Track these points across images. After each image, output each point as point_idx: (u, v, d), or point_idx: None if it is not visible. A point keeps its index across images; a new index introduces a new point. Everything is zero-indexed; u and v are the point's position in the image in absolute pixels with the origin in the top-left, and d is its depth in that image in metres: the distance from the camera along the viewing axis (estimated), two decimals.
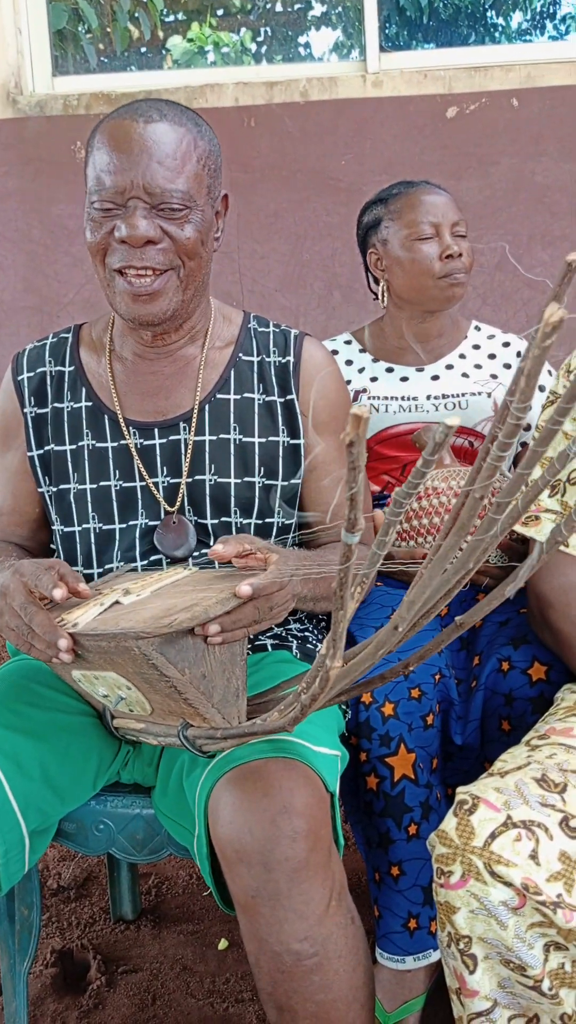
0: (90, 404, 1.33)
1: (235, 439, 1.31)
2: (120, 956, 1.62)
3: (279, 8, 4.85)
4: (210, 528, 1.30)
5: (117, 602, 1.07)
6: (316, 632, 1.42)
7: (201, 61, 4.87)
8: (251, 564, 1.06)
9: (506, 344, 1.88)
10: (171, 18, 4.68)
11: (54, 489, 1.33)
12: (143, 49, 4.32)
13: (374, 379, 1.85)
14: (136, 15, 4.22)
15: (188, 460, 1.30)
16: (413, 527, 1.58)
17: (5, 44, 2.60)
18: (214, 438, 1.31)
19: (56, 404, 1.34)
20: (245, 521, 1.31)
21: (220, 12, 4.84)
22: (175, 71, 2.71)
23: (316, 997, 1.00)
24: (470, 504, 0.68)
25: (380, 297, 1.86)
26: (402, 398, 1.82)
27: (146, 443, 1.31)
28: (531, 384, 0.63)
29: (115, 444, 1.31)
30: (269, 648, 1.34)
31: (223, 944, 1.64)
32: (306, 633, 1.39)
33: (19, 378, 1.37)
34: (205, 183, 1.24)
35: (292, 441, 1.34)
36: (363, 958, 1.07)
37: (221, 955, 1.62)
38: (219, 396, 1.33)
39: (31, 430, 1.35)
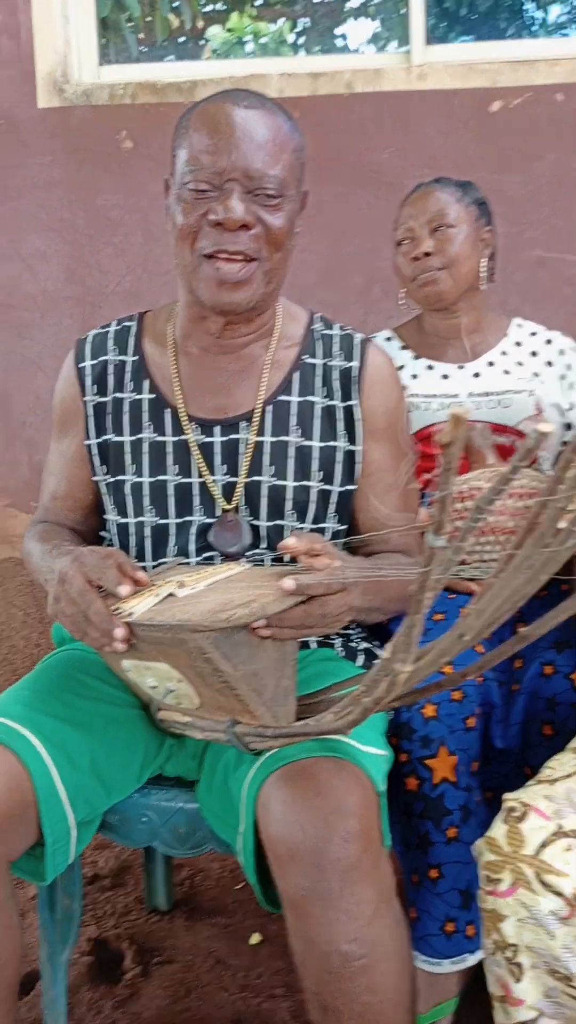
0: (152, 396, 1.33)
1: (295, 441, 1.30)
2: (154, 947, 1.63)
3: None
4: (263, 530, 1.29)
5: (171, 594, 1.07)
6: (359, 630, 1.41)
7: (239, 51, 4.85)
8: (316, 566, 1.05)
9: (549, 341, 1.86)
10: (210, 8, 4.66)
11: (111, 479, 1.33)
12: (182, 39, 4.31)
13: (415, 376, 1.84)
14: (176, 4, 4.21)
15: (247, 460, 1.29)
16: (456, 528, 1.57)
17: (53, 33, 2.59)
18: (274, 439, 1.30)
19: (117, 394, 1.34)
20: (299, 525, 1.30)
21: (259, 2, 4.82)
22: (220, 61, 2.70)
23: (362, 999, 1.00)
24: (551, 514, 0.67)
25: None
26: (443, 396, 1.81)
27: (206, 440, 1.30)
28: None
29: (175, 439, 1.31)
30: (312, 646, 1.34)
31: (255, 939, 1.65)
32: (349, 631, 1.39)
33: (81, 365, 1.36)
34: (296, 175, 1.24)
35: (350, 447, 1.33)
36: (408, 961, 1.07)
37: (254, 950, 1.62)
38: (282, 398, 1.32)
39: (91, 418, 1.34)
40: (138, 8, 3.60)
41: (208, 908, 1.73)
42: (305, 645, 1.33)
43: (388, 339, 1.92)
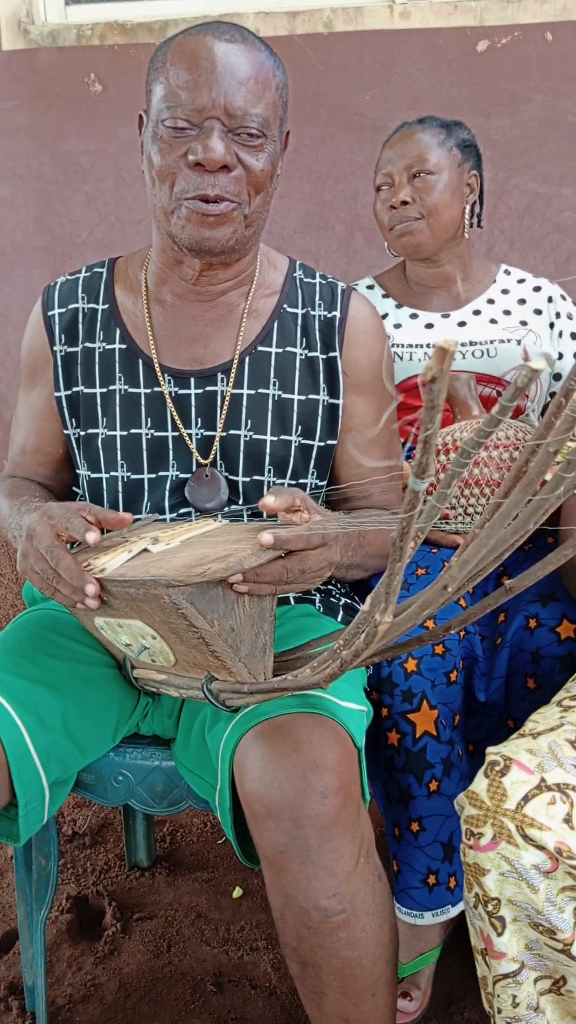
0: (124, 347, 1.28)
1: (274, 394, 1.26)
2: (135, 903, 1.62)
3: None
4: (240, 485, 1.26)
5: (146, 549, 1.04)
6: (339, 586, 1.39)
7: None
8: (295, 521, 1.01)
9: (537, 288, 1.81)
10: None
11: (81, 433, 1.29)
12: None
13: (398, 326, 1.79)
14: None
15: (224, 413, 1.25)
16: (441, 479, 1.54)
17: None
18: (252, 392, 1.26)
19: (88, 344, 1.29)
20: (278, 480, 1.26)
21: None
22: (192, 1, 2.59)
23: (342, 953, 0.99)
24: (540, 458, 0.63)
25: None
26: (427, 345, 1.76)
27: (181, 392, 1.26)
28: None
29: (148, 391, 1.26)
30: (292, 602, 1.31)
31: (237, 892, 1.64)
32: (329, 586, 1.36)
33: (49, 313, 1.31)
34: (279, 114, 1.18)
35: (331, 400, 1.28)
36: (389, 915, 1.05)
37: (235, 903, 1.62)
38: (260, 348, 1.27)
39: (60, 369, 1.29)
40: None
41: (189, 863, 1.73)
42: (285, 601, 1.30)
43: (370, 287, 1.87)
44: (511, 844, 0.93)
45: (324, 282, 1.32)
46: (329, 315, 1.29)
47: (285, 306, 1.29)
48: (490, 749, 1.01)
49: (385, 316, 1.81)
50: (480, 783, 0.98)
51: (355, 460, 1.30)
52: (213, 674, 1.03)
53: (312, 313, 1.29)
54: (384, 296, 1.84)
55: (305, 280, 1.32)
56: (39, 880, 1.26)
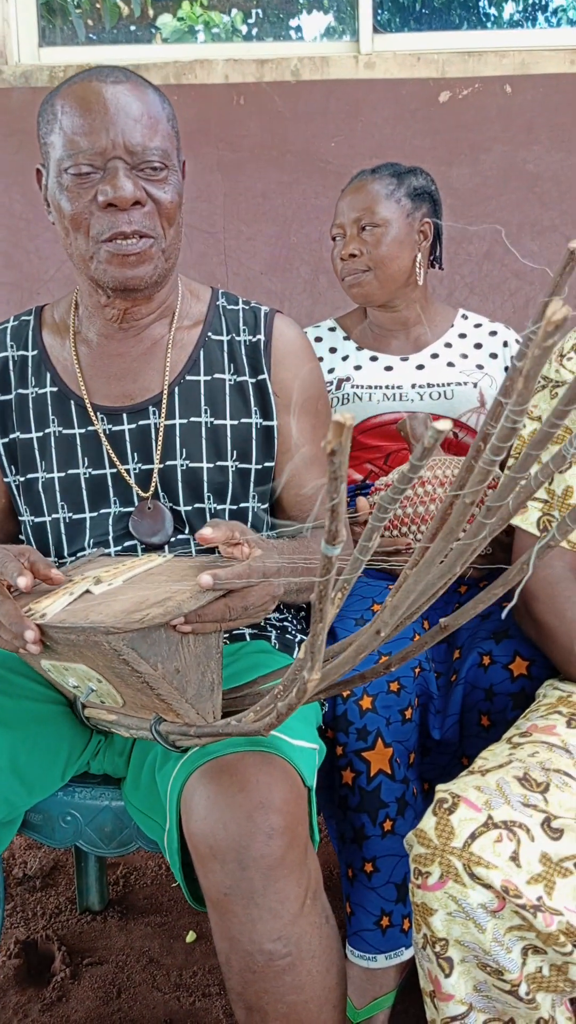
0: (55, 389, 1.28)
1: (206, 422, 1.27)
2: (86, 948, 1.59)
3: None
4: (184, 515, 1.26)
5: (88, 591, 1.03)
6: (295, 622, 1.38)
7: (191, 40, 4.79)
8: (236, 555, 1.01)
9: (493, 333, 1.85)
10: None
11: (21, 479, 1.29)
12: (132, 27, 4.24)
13: (358, 367, 1.82)
14: None
15: (160, 445, 1.25)
16: (397, 516, 1.55)
17: None
18: (184, 421, 1.27)
19: (20, 390, 1.29)
20: (219, 507, 1.27)
21: None
22: (164, 46, 2.65)
23: (288, 998, 0.97)
24: (459, 508, 0.64)
25: None
26: (386, 387, 1.79)
27: (115, 429, 1.26)
28: (529, 386, 0.59)
29: (83, 430, 1.27)
30: (247, 638, 1.30)
31: (191, 937, 1.61)
32: (285, 623, 1.36)
33: None
34: (175, 144, 1.21)
35: (265, 423, 1.30)
36: (336, 958, 1.04)
37: (189, 948, 1.59)
38: (188, 378, 1.28)
39: None
40: None
41: (142, 907, 1.69)
42: (240, 637, 1.30)
43: (331, 329, 1.90)
44: (458, 883, 0.93)
45: (247, 307, 1.34)
46: (254, 339, 1.31)
47: (209, 334, 1.31)
48: (439, 787, 1.01)
49: (346, 358, 1.83)
50: (428, 821, 0.97)
51: (296, 480, 1.31)
52: (161, 715, 1.02)
53: (237, 339, 1.31)
54: (345, 338, 1.87)
55: (228, 307, 1.34)
56: None
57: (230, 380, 1.29)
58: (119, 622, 0.91)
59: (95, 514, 1.26)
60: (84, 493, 1.26)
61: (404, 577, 0.74)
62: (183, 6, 4.63)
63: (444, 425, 0.56)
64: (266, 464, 1.30)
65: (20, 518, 1.32)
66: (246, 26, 4.86)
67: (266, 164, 2.50)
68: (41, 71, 2.53)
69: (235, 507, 1.28)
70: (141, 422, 1.26)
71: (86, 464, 1.26)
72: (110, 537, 1.25)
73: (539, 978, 0.96)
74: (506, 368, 1.82)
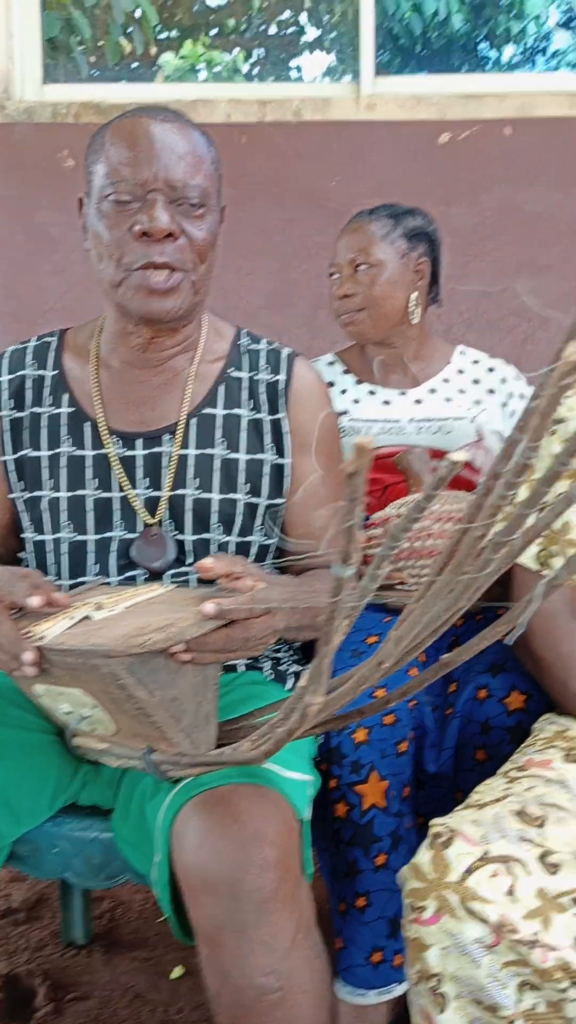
0: (72, 410, 1.29)
1: (220, 454, 1.28)
2: (70, 982, 1.56)
3: (273, 30, 4.89)
4: (188, 544, 1.26)
5: (87, 617, 1.03)
6: (290, 653, 1.38)
7: (193, 79, 4.88)
8: (238, 588, 1.01)
9: (491, 369, 1.87)
10: (165, 35, 4.69)
11: (27, 495, 1.29)
12: (135, 64, 4.33)
13: (357, 401, 1.83)
14: (129, 30, 4.22)
15: (171, 473, 1.26)
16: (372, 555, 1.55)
17: None
18: (199, 452, 1.28)
19: (35, 408, 1.30)
20: (225, 538, 1.27)
21: (214, 32, 4.86)
22: (167, 85, 2.70)
23: None
24: (468, 542, 0.65)
25: None
26: (384, 421, 1.80)
27: (128, 453, 1.27)
28: (544, 423, 0.61)
29: (95, 452, 1.27)
30: (241, 668, 1.30)
31: (177, 972, 1.58)
32: (279, 654, 1.35)
33: None
34: (215, 187, 1.24)
35: (278, 460, 1.31)
36: (327, 993, 1.02)
37: (174, 984, 1.56)
38: (206, 411, 1.30)
39: (7, 433, 1.30)
40: (88, 30, 3.61)
41: (128, 941, 1.66)
42: (232, 668, 1.29)
43: (331, 363, 1.92)
44: (453, 918, 0.92)
45: (269, 348, 1.36)
46: (274, 378, 1.33)
47: (231, 371, 1.32)
48: (434, 821, 1.00)
49: (344, 392, 1.85)
50: (423, 855, 0.97)
51: (304, 520, 1.32)
52: (154, 745, 1.01)
53: (257, 377, 1.33)
54: (345, 372, 1.89)
55: (251, 347, 1.36)
56: None
57: (247, 416, 1.31)
58: (119, 646, 0.91)
59: (98, 537, 1.25)
60: (89, 515, 1.26)
61: (409, 610, 0.74)
62: (185, 45, 4.73)
63: (461, 456, 0.57)
64: (276, 500, 1.31)
65: (22, 535, 1.32)
66: (248, 65, 4.97)
67: (267, 202, 2.53)
68: (44, 107, 2.57)
69: (241, 539, 1.29)
70: (155, 449, 1.27)
71: (95, 486, 1.26)
72: (112, 565, 1.25)
73: (534, 1015, 0.94)
74: (503, 404, 1.84)
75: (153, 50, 4.52)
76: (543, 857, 0.95)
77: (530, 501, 0.64)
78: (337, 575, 0.62)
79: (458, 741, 1.37)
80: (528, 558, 1.27)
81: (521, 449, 0.62)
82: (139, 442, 1.27)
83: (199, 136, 1.23)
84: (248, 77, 4.99)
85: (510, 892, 0.91)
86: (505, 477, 0.65)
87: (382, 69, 2.71)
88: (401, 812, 1.32)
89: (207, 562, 1.00)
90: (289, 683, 1.30)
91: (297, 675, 1.34)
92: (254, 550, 1.30)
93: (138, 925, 1.71)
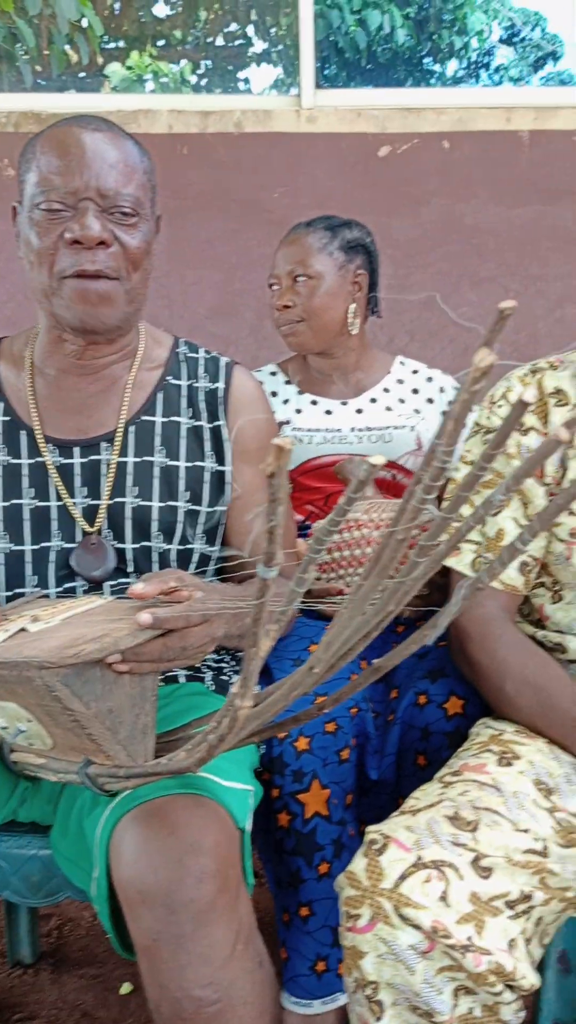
0: (7, 419, 1.28)
1: (160, 462, 1.28)
2: (16, 1003, 1.53)
3: (220, 42, 4.90)
4: (129, 553, 1.26)
5: (23, 629, 1.02)
6: (232, 663, 1.38)
7: (140, 89, 4.87)
8: (175, 599, 1.01)
9: (429, 379, 1.90)
10: (111, 45, 4.68)
11: None
12: (82, 74, 4.30)
13: (299, 411, 1.85)
14: (75, 39, 4.20)
15: (110, 481, 1.26)
16: (335, 559, 1.56)
17: None
18: (138, 460, 1.27)
19: None
20: (166, 546, 1.27)
21: (161, 43, 4.86)
22: (108, 95, 2.70)
23: None
24: (392, 546, 0.66)
25: None
26: (326, 430, 1.82)
27: (65, 461, 1.26)
28: (458, 428, 0.62)
29: (31, 461, 1.26)
30: (182, 679, 1.30)
31: (126, 988, 1.57)
32: (221, 664, 1.35)
33: None
34: (149, 196, 1.24)
35: (218, 468, 1.31)
36: (270, 1004, 1.02)
37: (124, 1000, 1.55)
38: (145, 418, 1.29)
39: None
40: (33, 39, 3.58)
41: (76, 959, 1.65)
42: (174, 679, 1.29)
43: (273, 373, 1.93)
44: (388, 925, 0.93)
45: (208, 356, 1.37)
46: (213, 386, 1.33)
47: (169, 378, 1.33)
48: (370, 828, 1.01)
49: (287, 401, 1.86)
50: (358, 863, 0.97)
51: (245, 527, 1.32)
52: (91, 758, 1.01)
53: (196, 385, 1.33)
54: (287, 382, 1.90)
55: (189, 355, 1.36)
56: None
57: (187, 424, 1.31)
58: (53, 657, 0.90)
59: (36, 547, 1.24)
60: (26, 524, 1.24)
61: (339, 615, 0.75)
62: (132, 55, 4.72)
63: (378, 460, 0.58)
64: (217, 508, 1.31)
65: None
66: (195, 76, 4.97)
67: (211, 212, 2.54)
68: None
69: (182, 547, 1.28)
70: (92, 457, 1.27)
71: (32, 495, 1.25)
72: (51, 575, 1.24)
73: (470, 1019, 0.95)
74: (442, 413, 1.86)
75: (100, 60, 4.50)
76: (476, 861, 0.96)
77: (452, 506, 0.65)
78: (261, 576, 0.63)
79: (399, 747, 1.38)
80: (464, 565, 1.29)
81: (437, 453, 0.64)
82: (76, 450, 1.27)
83: (131, 146, 1.23)
84: (196, 89, 4.99)
85: (443, 898, 0.92)
86: (425, 480, 0.66)
87: (325, 82, 2.74)
88: (344, 820, 1.33)
89: (137, 588, 0.99)
90: (230, 691, 1.30)
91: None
92: (195, 558, 1.30)
93: (87, 942, 1.70)
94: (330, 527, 0.64)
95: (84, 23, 4.14)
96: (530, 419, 1.25)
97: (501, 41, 5.20)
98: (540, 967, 1.16)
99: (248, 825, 1.09)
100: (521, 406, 0.59)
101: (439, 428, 0.62)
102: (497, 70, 5.26)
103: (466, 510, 0.82)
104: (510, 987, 0.94)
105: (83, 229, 1.16)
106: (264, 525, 0.60)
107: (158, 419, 1.30)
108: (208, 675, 1.31)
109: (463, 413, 0.62)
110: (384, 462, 0.59)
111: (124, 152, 1.20)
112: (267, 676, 1.40)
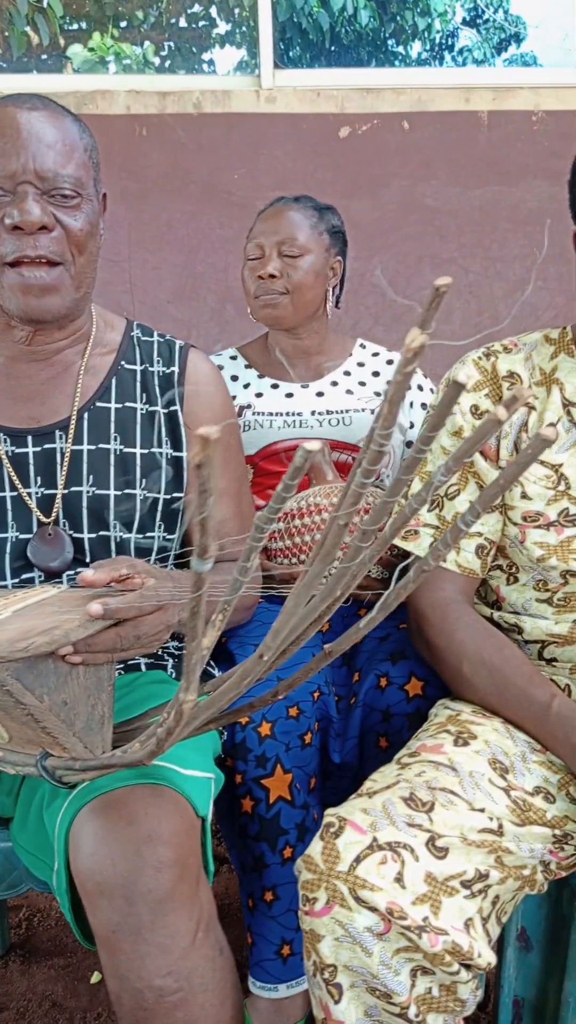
0: None
1: (115, 449, 1.26)
2: None
3: (183, 24, 4.84)
4: (86, 543, 1.24)
5: None
6: None
7: (103, 71, 4.80)
8: (127, 587, 1.00)
9: (390, 362, 1.89)
10: (74, 26, 4.61)
11: None
12: (44, 56, 4.23)
13: (259, 395, 1.83)
14: (35, 20, 4.13)
15: (65, 470, 1.24)
16: (296, 544, 1.56)
17: None
18: (93, 447, 1.25)
19: None
20: (125, 536, 1.25)
21: (123, 24, 4.79)
22: (66, 76, 2.66)
23: None
24: (334, 531, 0.65)
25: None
26: (287, 414, 1.81)
27: (18, 451, 1.24)
28: (393, 410, 0.61)
29: None
30: (143, 668, 1.29)
31: (96, 978, 1.57)
32: (183, 651, 1.35)
33: None
34: (91, 174, 1.21)
35: (175, 453, 1.29)
36: (231, 991, 1.02)
37: (93, 989, 1.55)
38: (99, 404, 1.27)
39: None
40: None
41: (46, 949, 1.65)
42: (135, 667, 1.28)
43: (233, 357, 1.92)
44: (344, 907, 0.93)
45: (162, 340, 1.35)
46: (168, 370, 1.31)
47: (123, 363, 1.31)
48: (328, 811, 1.01)
49: (247, 385, 1.85)
50: (315, 846, 0.98)
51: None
52: (48, 750, 1.00)
53: (151, 369, 1.31)
54: (247, 366, 1.89)
55: (143, 339, 1.34)
56: None
57: (141, 409, 1.29)
58: (3, 651, 0.89)
59: None
60: None
61: (287, 602, 0.75)
62: (94, 37, 4.65)
63: (313, 446, 0.58)
64: (174, 495, 1.29)
65: None
66: (159, 58, 4.91)
67: (170, 194, 2.51)
68: None
69: (141, 536, 1.27)
70: (47, 446, 1.24)
71: None
72: (7, 566, 1.23)
73: (429, 999, 0.96)
74: (378, 393, 1.86)
75: (61, 42, 4.43)
76: (431, 842, 0.97)
77: (392, 489, 0.65)
78: (195, 570, 0.62)
79: (361, 730, 1.39)
80: (422, 549, 1.29)
81: (374, 435, 0.63)
82: (30, 439, 1.25)
83: (71, 123, 1.19)
84: (159, 70, 4.93)
85: (399, 879, 0.93)
86: (363, 464, 0.65)
87: (288, 63, 2.72)
88: (307, 804, 1.34)
89: (87, 575, 0.98)
90: None
91: (204, 673, 1.33)
92: (155, 546, 1.29)
93: (56, 932, 1.70)
94: (269, 515, 0.64)
95: (44, 4, 4.06)
96: (484, 403, 1.25)
97: (464, 23, 5.17)
98: (499, 945, 1.18)
99: (209, 813, 1.09)
100: (455, 387, 0.59)
101: (376, 410, 0.62)
102: (460, 52, 5.23)
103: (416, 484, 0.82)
104: (467, 966, 0.95)
105: (23, 215, 1.13)
106: (195, 516, 0.59)
107: (112, 405, 1.28)
108: (169, 663, 1.31)
109: (398, 395, 0.61)
110: (319, 448, 0.58)
111: (63, 131, 1.17)
112: (230, 662, 1.40)
